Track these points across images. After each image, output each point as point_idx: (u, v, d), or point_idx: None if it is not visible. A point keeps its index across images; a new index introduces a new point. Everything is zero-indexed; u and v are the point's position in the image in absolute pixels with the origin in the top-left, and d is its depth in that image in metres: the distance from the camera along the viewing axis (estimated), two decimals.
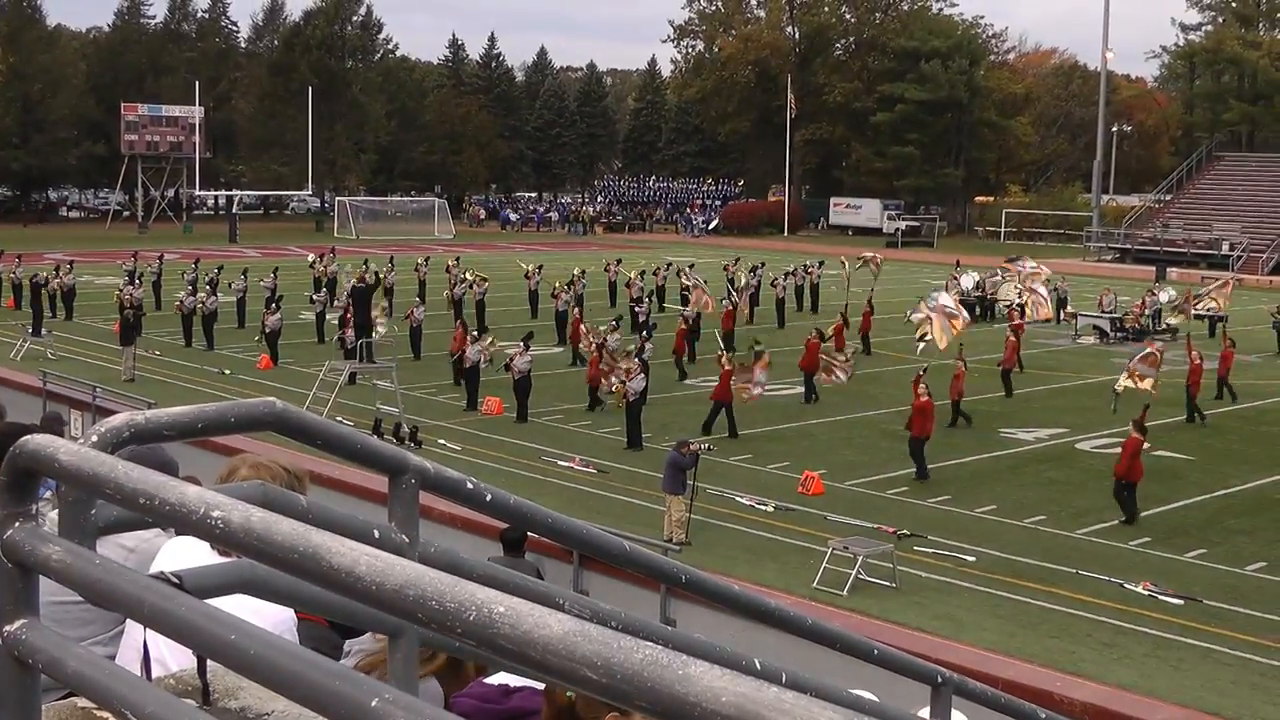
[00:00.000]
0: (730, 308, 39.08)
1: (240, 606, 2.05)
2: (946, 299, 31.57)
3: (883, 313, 39.52)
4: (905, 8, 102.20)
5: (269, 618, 2.65)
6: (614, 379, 26.16)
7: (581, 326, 33.67)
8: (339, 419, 21.67)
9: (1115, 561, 18.62)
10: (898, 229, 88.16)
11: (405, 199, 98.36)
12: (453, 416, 27.77)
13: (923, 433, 23.18)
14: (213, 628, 1.71)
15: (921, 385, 23.47)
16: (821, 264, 50.52)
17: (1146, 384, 26.85)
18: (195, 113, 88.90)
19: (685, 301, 39.05)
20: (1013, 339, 32.73)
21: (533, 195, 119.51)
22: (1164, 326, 42.28)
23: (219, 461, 3.65)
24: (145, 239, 75.86)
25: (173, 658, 2.82)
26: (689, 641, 2.84)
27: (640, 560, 2.96)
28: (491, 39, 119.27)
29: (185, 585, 1.91)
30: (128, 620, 2.98)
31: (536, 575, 9.41)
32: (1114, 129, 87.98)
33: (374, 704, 1.50)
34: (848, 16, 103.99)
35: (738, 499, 21.47)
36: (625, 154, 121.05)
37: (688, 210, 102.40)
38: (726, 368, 26.40)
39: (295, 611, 2.97)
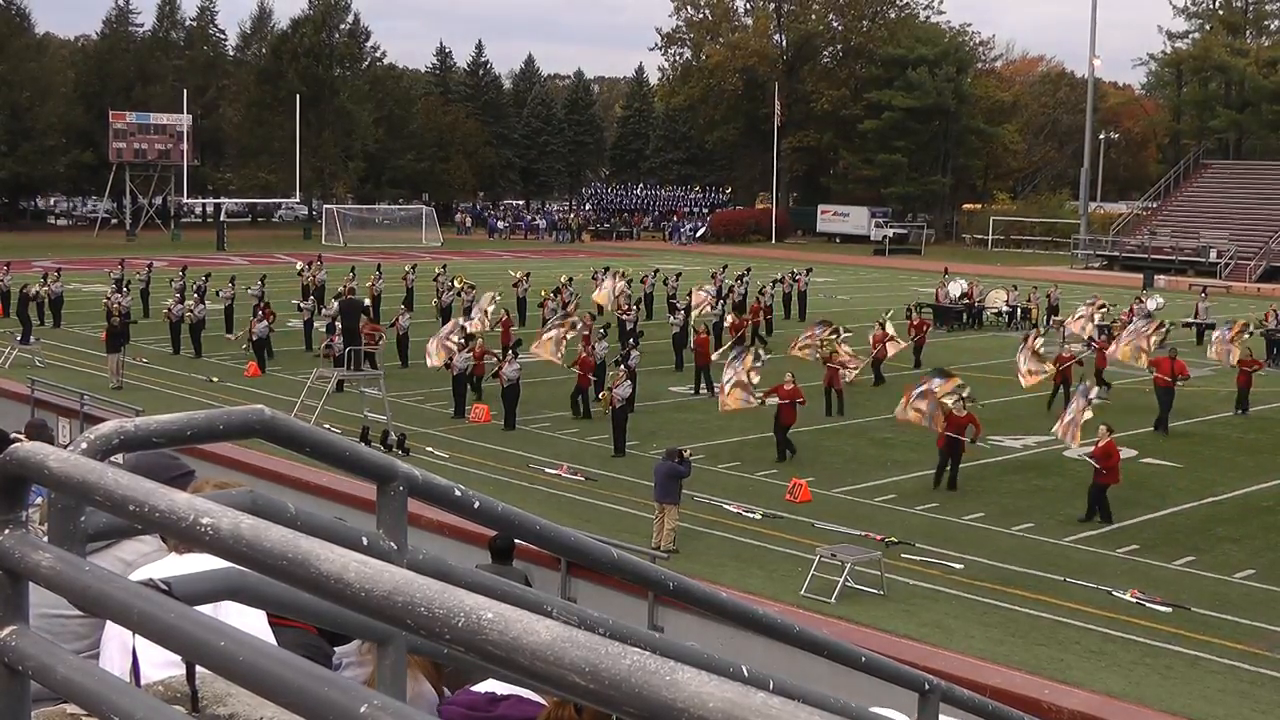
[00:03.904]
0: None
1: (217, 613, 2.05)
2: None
3: (872, 319, 39.49)
4: (892, 15, 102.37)
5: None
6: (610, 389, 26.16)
7: (511, 330, 35.01)
8: (327, 426, 21.61)
9: (1103, 569, 18.64)
10: (885, 236, 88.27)
11: (393, 206, 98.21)
12: (441, 424, 27.74)
13: (790, 420, 24.92)
14: (201, 633, 1.71)
15: (789, 375, 25.54)
16: (809, 271, 50.67)
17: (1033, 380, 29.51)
18: (183, 120, 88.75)
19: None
20: (879, 332, 34.20)
21: (520, 203, 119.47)
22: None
23: (207, 470, 3.65)
24: (133, 246, 75.74)
25: (159, 672, 2.81)
26: (676, 648, 2.85)
27: (628, 568, 2.97)
28: (479, 47, 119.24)
29: (174, 591, 1.91)
30: (109, 626, 2.96)
31: (525, 583, 9.41)
32: (1101, 136, 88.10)
33: (363, 710, 1.50)
34: (835, 24, 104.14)
35: (725, 506, 21.46)
36: (612, 161, 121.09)
37: (675, 218, 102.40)
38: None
39: (290, 620, 2.96)
